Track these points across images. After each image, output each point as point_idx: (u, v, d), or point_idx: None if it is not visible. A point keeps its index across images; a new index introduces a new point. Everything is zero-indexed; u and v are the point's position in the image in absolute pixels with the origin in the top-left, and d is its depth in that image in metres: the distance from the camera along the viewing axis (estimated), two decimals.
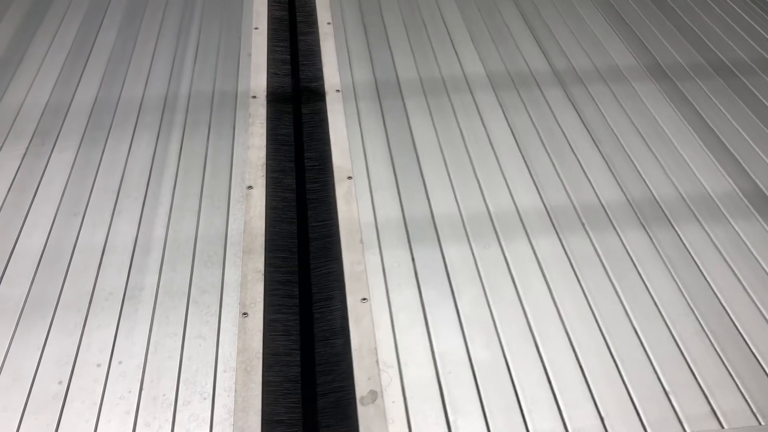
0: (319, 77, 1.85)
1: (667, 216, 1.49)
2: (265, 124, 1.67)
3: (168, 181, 1.52)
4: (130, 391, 1.13)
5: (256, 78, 1.83)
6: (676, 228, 1.46)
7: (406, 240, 1.41)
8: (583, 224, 1.45)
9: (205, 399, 1.12)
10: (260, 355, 1.18)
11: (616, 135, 1.70)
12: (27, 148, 1.60)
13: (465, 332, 1.24)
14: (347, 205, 1.48)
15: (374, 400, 1.12)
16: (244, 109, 1.72)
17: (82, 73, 1.84)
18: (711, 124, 1.74)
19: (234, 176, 1.53)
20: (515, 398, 1.14)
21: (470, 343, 1.22)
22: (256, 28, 2.03)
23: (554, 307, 1.29)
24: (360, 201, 1.49)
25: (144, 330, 1.23)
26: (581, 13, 2.18)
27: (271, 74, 1.85)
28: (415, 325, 1.25)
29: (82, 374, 1.16)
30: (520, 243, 1.41)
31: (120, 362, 1.18)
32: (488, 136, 1.69)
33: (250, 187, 1.50)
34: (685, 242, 1.43)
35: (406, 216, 1.46)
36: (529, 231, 1.44)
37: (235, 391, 1.13)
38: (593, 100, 1.81)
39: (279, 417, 1.11)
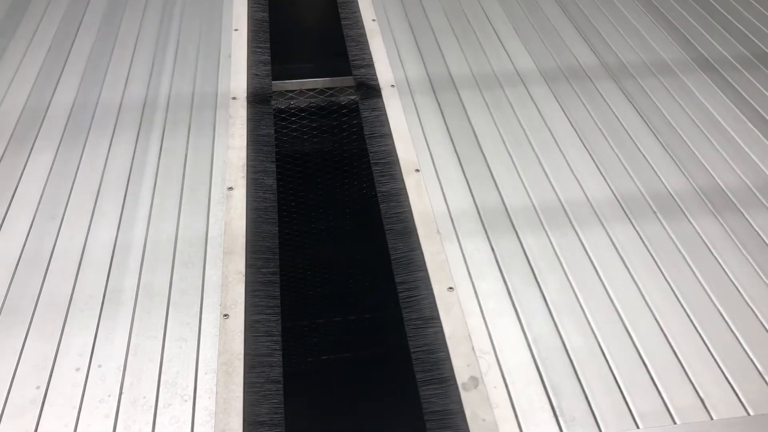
0: (371, 74, 1.89)
1: (734, 203, 1.52)
2: (245, 125, 1.66)
3: (148, 182, 1.51)
4: (109, 395, 1.12)
5: (236, 79, 1.82)
6: (746, 214, 1.49)
7: (482, 229, 1.43)
8: (654, 212, 1.49)
9: (185, 401, 1.11)
10: (241, 357, 1.17)
11: (672, 125, 1.74)
12: (4, 151, 1.58)
13: (555, 318, 1.26)
14: (419, 197, 1.50)
15: (476, 386, 1.14)
16: (224, 110, 1.71)
17: (61, 75, 1.83)
18: (765, 114, 1.78)
19: (214, 177, 1.52)
20: (614, 381, 1.16)
21: (562, 329, 1.24)
22: (236, 30, 2.02)
23: (639, 293, 1.31)
24: (431, 193, 1.51)
25: (124, 333, 1.21)
26: (621, 8, 2.23)
27: (252, 75, 1.85)
28: (504, 313, 1.26)
29: (61, 378, 1.14)
30: (596, 231, 1.44)
31: (99, 366, 1.16)
32: (548, 127, 1.73)
33: (230, 188, 1.49)
34: (756, 228, 1.46)
35: (478, 206, 1.49)
36: (602, 219, 1.47)
37: (216, 393, 1.12)
38: (645, 92, 1.86)
39: (261, 418, 1.10)
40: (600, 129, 1.72)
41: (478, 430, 1.08)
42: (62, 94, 1.76)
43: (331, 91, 2.21)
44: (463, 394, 1.13)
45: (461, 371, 1.16)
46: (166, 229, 1.41)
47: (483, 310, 1.27)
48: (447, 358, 1.18)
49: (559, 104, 1.80)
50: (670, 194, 1.54)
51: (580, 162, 1.62)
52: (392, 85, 1.85)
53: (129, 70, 1.85)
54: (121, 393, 1.12)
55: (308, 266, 2.96)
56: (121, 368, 1.16)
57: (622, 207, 1.50)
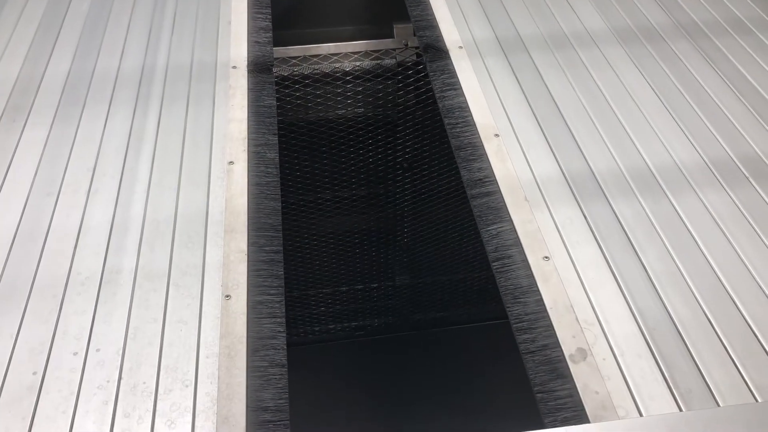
0: (437, 35, 1.82)
1: None
2: (246, 96, 1.60)
3: (145, 157, 1.46)
4: (108, 380, 1.08)
5: (237, 47, 1.76)
6: None
7: (572, 196, 1.38)
8: (746, 177, 1.43)
9: (187, 386, 1.08)
10: (244, 340, 1.13)
11: (756, 88, 1.67)
12: None
13: (658, 288, 1.21)
14: (501, 163, 1.45)
15: (585, 358, 1.10)
16: (224, 81, 1.65)
17: (54, 46, 1.77)
18: None
19: (214, 151, 1.47)
20: (726, 352, 1.12)
21: (666, 300, 1.20)
22: None
23: (741, 261, 1.26)
24: (513, 158, 1.46)
25: (122, 315, 1.18)
26: None
27: (252, 43, 1.78)
28: (605, 282, 1.22)
29: (58, 363, 1.11)
30: (690, 197, 1.39)
31: (98, 350, 1.13)
32: (627, 89, 1.66)
33: (231, 163, 1.44)
34: None
35: (565, 172, 1.44)
36: (694, 185, 1.41)
37: (219, 377, 1.09)
38: (723, 52, 1.78)
39: (265, 404, 1.07)
40: (680, 91, 1.66)
41: (591, 402, 1.05)
42: (56, 65, 1.70)
43: (335, 57, 2.15)
44: (572, 366, 1.09)
45: (567, 343, 1.12)
46: (165, 206, 1.36)
47: (583, 279, 1.23)
48: (550, 329, 1.14)
49: (636, 66, 1.73)
50: (762, 159, 1.47)
51: (665, 126, 1.56)
52: (459, 47, 1.78)
53: (125, 38, 1.79)
54: (120, 378, 1.09)
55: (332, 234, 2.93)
56: (120, 352, 1.12)
57: (713, 172, 1.44)
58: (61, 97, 1.61)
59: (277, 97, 2.38)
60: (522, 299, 1.20)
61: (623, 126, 1.56)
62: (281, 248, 1.30)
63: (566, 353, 1.11)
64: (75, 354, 1.12)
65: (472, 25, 1.87)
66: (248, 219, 1.33)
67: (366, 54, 2.42)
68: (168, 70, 1.68)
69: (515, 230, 1.31)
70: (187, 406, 1.05)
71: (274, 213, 1.36)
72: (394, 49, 2.45)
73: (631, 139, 1.53)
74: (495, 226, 1.33)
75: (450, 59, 1.75)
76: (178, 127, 1.53)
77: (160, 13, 1.87)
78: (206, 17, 1.86)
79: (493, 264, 1.27)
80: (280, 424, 1.04)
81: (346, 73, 2.43)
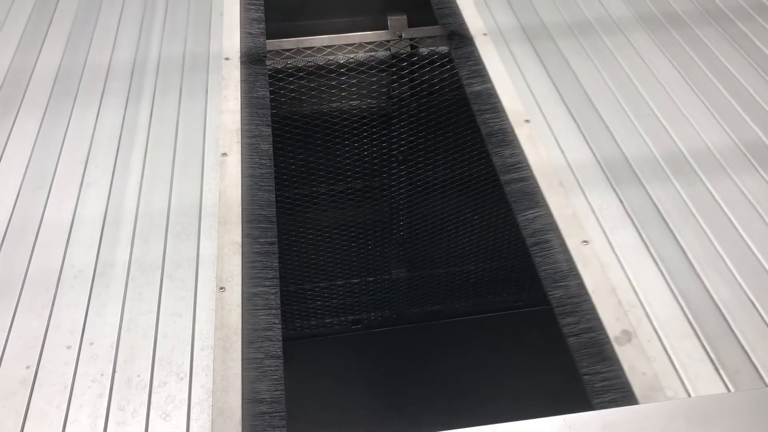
0: (461, 22, 1.82)
1: None
2: (239, 87, 1.59)
3: (138, 149, 1.45)
4: (102, 374, 1.07)
5: (229, 38, 1.74)
6: None
7: (606, 181, 1.38)
8: None
9: (182, 379, 1.07)
10: (239, 332, 1.12)
11: None
12: None
13: (698, 271, 1.21)
14: (534, 148, 1.44)
15: (630, 340, 1.10)
16: (216, 72, 1.64)
17: (45, 38, 1.75)
18: None
19: (207, 143, 1.46)
20: None
21: (707, 281, 1.19)
22: None
23: None
24: (545, 144, 1.46)
25: (116, 308, 1.16)
26: None
27: (245, 34, 1.76)
28: (646, 266, 1.22)
29: (52, 357, 1.09)
30: (724, 180, 1.38)
31: (91, 343, 1.11)
32: (655, 74, 1.66)
33: (224, 154, 1.43)
34: None
35: (597, 157, 1.43)
36: (728, 168, 1.41)
37: (214, 370, 1.07)
38: (749, 36, 1.77)
39: (260, 396, 1.06)
40: (708, 75, 1.65)
41: (639, 383, 1.04)
42: (48, 57, 1.68)
43: (329, 49, 2.13)
44: (618, 348, 1.09)
45: (611, 325, 1.12)
46: (158, 199, 1.35)
47: (623, 263, 1.22)
48: (593, 312, 1.14)
49: (662, 51, 1.73)
50: None
51: (695, 110, 1.55)
52: (484, 34, 1.78)
53: (117, 31, 1.77)
54: (114, 372, 1.08)
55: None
56: (114, 345, 1.11)
57: (746, 155, 1.43)
58: (52, 89, 1.59)
59: (271, 90, 2.37)
60: (563, 283, 1.20)
61: (653, 111, 1.55)
62: (276, 239, 1.29)
63: (611, 335, 1.11)
64: (68, 347, 1.11)
65: (495, 12, 1.87)
66: (242, 210, 1.32)
67: (360, 46, 2.41)
68: (160, 62, 1.67)
69: (552, 215, 1.31)
70: (182, 399, 1.04)
71: (268, 204, 1.35)
72: (389, 41, 2.43)
73: (662, 123, 1.52)
74: (531, 211, 1.32)
75: (475, 46, 1.74)
76: (171, 118, 1.52)
77: (152, 5, 1.85)
78: (198, 9, 1.84)
79: (532, 249, 1.27)
80: (276, 416, 1.03)
81: (341, 65, 2.42)
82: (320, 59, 2.37)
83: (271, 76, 2.29)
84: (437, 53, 2.41)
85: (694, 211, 1.32)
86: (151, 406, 1.03)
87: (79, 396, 1.05)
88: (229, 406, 1.03)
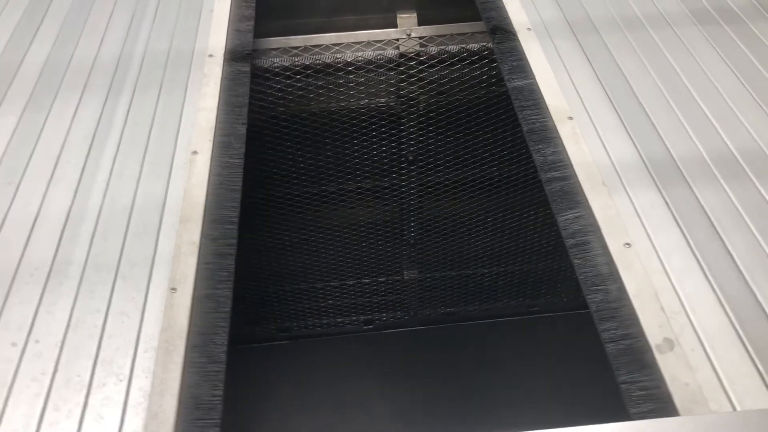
0: (504, 16, 1.79)
1: None
2: (219, 85, 1.57)
3: (111, 146, 1.44)
4: (43, 373, 1.06)
5: (216, 35, 1.73)
6: None
7: (652, 182, 1.34)
8: None
9: (121, 381, 1.05)
10: (184, 334, 1.10)
11: None
12: None
13: (747, 278, 1.16)
14: (577, 146, 1.41)
15: (671, 348, 1.06)
16: (199, 69, 1.62)
17: (36, 33, 1.76)
18: None
19: (180, 140, 1.44)
20: None
21: (756, 289, 1.14)
22: None
23: None
24: (589, 142, 1.42)
25: (66, 306, 1.16)
26: None
27: (232, 31, 1.75)
28: (691, 270, 1.17)
29: None
30: None
31: (37, 341, 1.11)
32: (705, 71, 1.60)
33: (194, 153, 1.41)
34: None
35: (643, 157, 1.39)
36: None
37: (154, 372, 1.06)
38: None
39: (199, 401, 1.04)
40: (762, 72, 1.57)
41: (681, 394, 1.00)
42: (36, 52, 1.69)
43: (316, 49, 2.11)
44: (659, 356, 1.05)
45: (653, 332, 1.08)
46: (124, 196, 1.34)
47: (666, 267, 1.18)
48: (634, 317, 1.10)
49: (714, 47, 1.66)
50: None
51: (747, 109, 1.49)
52: (528, 29, 1.74)
53: (106, 27, 1.77)
54: (55, 371, 1.07)
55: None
56: (59, 344, 1.10)
57: None
58: (36, 85, 1.60)
59: (278, 88, 2.35)
60: (602, 286, 1.16)
61: (702, 109, 1.49)
62: (235, 241, 1.27)
63: (652, 343, 1.06)
64: (14, 345, 1.10)
65: (539, 7, 1.82)
66: (204, 210, 1.30)
67: (368, 44, 2.38)
68: (145, 58, 1.66)
69: (593, 216, 1.27)
70: (119, 401, 1.03)
71: (233, 205, 1.33)
72: (398, 39, 2.39)
73: (711, 122, 1.46)
74: (572, 212, 1.29)
75: (518, 41, 1.71)
76: (147, 115, 1.51)
77: (144, 1, 1.85)
78: (189, 5, 1.83)
79: (571, 250, 1.23)
80: (210, 422, 1.01)
81: (348, 63, 2.39)
82: (328, 57, 2.34)
83: (278, 74, 2.27)
84: (447, 52, 2.36)
85: (743, 214, 1.26)
86: (87, 408, 1.02)
87: (18, 394, 1.04)
88: (164, 410, 1.01)
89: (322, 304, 3.24)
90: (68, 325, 1.13)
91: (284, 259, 2.96)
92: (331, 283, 3.18)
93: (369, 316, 3.34)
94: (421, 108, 2.60)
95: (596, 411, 2.66)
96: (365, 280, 3.22)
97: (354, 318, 3.33)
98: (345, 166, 2.73)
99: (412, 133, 2.66)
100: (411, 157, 2.76)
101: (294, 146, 2.58)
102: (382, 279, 3.24)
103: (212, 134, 1.45)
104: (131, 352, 1.09)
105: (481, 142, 2.63)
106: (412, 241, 3.09)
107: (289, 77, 2.33)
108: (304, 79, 2.36)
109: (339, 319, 3.33)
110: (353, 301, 3.25)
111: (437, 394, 3.01)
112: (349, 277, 3.16)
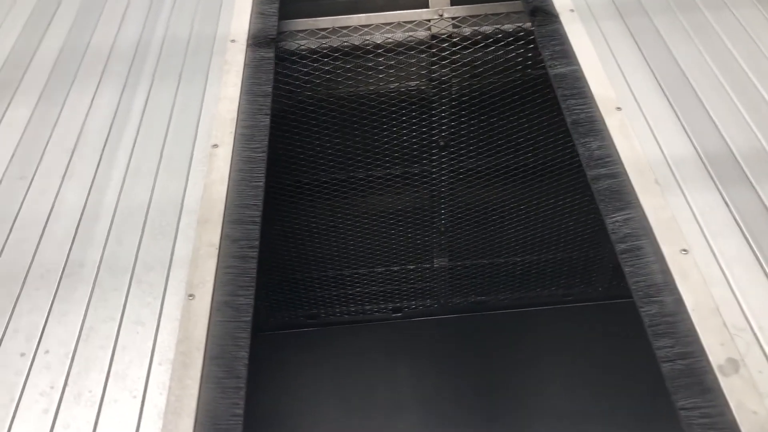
0: None
1: None
2: (241, 73, 1.49)
3: (127, 139, 1.37)
4: (52, 387, 1.00)
5: (239, 19, 1.64)
6: None
7: (710, 180, 1.23)
8: None
9: (134, 397, 0.98)
10: (202, 346, 1.03)
11: None
12: None
13: None
14: (626, 140, 1.31)
15: (737, 370, 0.96)
16: (220, 56, 1.54)
17: (52, 18, 1.69)
18: None
19: (200, 133, 1.37)
20: None
21: None
22: None
23: None
24: (639, 135, 1.32)
25: (78, 313, 1.09)
26: None
27: (256, 14, 1.66)
28: (756, 281, 1.07)
29: (3, 365, 1.03)
30: None
31: (47, 351, 1.04)
32: (766, 55, 1.48)
33: (215, 146, 1.33)
34: None
35: (700, 152, 1.28)
36: None
37: (169, 388, 0.98)
38: None
39: (216, 421, 0.96)
40: None
41: (748, 424, 0.90)
42: (52, 38, 1.62)
43: (344, 30, 2.01)
44: (722, 379, 0.95)
45: (715, 351, 0.98)
46: (140, 193, 1.26)
47: (728, 277, 1.07)
48: (693, 334, 1.00)
49: None
50: None
51: None
52: (571, 10, 1.63)
53: (125, 10, 1.70)
54: (65, 385, 1.00)
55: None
56: (70, 355, 1.03)
57: None
58: (51, 72, 1.53)
59: (305, 72, 2.28)
60: (657, 298, 1.06)
61: (765, 98, 1.37)
62: (257, 242, 1.18)
63: (714, 363, 0.97)
64: (22, 355, 1.04)
65: None
66: (225, 209, 1.22)
67: (398, 25, 2.28)
68: (164, 44, 1.58)
69: (646, 218, 1.16)
70: (132, 420, 0.96)
71: (255, 203, 1.25)
72: (429, 20, 2.30)
73: None
74: (621, 213, 1.19)
75: (561, 23, 1.59)
76: (166, 105, 1.43)
77: None
78: None
79: (621, 256, 1.13)
80: None
81: (378, 46, 2.30)
82: (356, 39, 2.26)
83: (304, 57, 2.19)
84: (481, 33, 2.26)
85: None
86: (98, 427, 0.95)
87: (25, 410, 0.98)
88: (181, 431, 0.94)
89: (350, 291, 3.19)
90: (80, 335, 1.06)
91: (312, 245, 2.92)
92: (360, 271, 3.12)
93: (398, 304, 3.29)
94: (453, 92, 2.51)
95: (630, 403, 2.57)
96: (394, 267, 3.17)
97: (383, 305, 3.28)
98: (374, 152, 2.66)
99: (443, 117, 2.57)
100: (442, 143, 2.67)
101: (322, 131, 2.50)
102: (412, 267, 3.18)
103: (234, 126, 1.36)
104: (146, 365, 1.02)
105: (515, 127, 2.54)
106: (442, 229, 3.02)
107: (316, 60, 2.25)
108: (331, 62, 2.27)
109: (367, 307, 3.29)
110: (382, 288, 3.20)
111: (465, 383, 2.95)
112: (377, 264, 3.11)
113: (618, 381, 2.70)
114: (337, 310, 3.26)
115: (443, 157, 2.72)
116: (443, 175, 2.79)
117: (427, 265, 3.16)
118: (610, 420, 2.62)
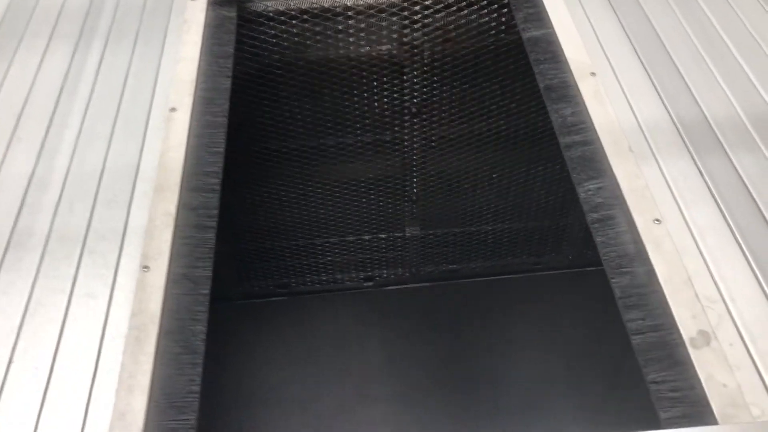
0: None
1: None
2: (201, 33, 1.41)
3: (80, 101, 1.30)
4: None
5: None
6: None
7: (684, 148, 1.20)
8: None
9: (84, 374, 0.93)
10: (157, 320, 0.98)
11: None
12: None
13: None
14: (600, 106, 1.27)
15: (708, 343, 0.94)
16: (179, 15, 1.46)
17: None
18: None
19: (157, 95, 1.30)
20: None
21: None
22: None
23: None
24: (614, 101, 1.28)
25: (25, 286, 1.03)
26: None
27: None
28: (729, 251, 1.05)
29: None
30: None
31: None
32: (744, 23, 1.45)
33: (173, 110, 1.26)
34: None
35: (675, 119, 1.26)
36: None
37: (122, 364, 0.94)
38: None
39: (171, 399, 0.92)
40: None
41: (719, 397, 0.88)
42: None
43: None
44: (693, 352, 0.93)
45: (686, 324, 0.95)
46: (93, 159, 1.20)
47: (701, 248, 1.05)
48: (665, 306, 0.98)
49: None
50: None
51: None
52: None
53: None
54: (10, 362, 0.95)
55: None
56: (15, 331, 0.98)
57: None
58: None
59: (272, 34, 2.20)
60: (629, 269, 1.04)
61: (742, 67, 1.35)
62: (216, 212, 1.13)
63: (685, 336, 0.94)
64: None
65: None
66: (183, 176, 1.16)
67: None
68: (119, 3, 1.50)
69: (619, 187, 1.13)
70: (81, 398, 0.91)
71: (214, 170, 1.19)
72: None
73: (751, 80, 1.32)
74: (594, 182, 1.16)
75: None
76: (122, 67, 1.36)
77: None
78: None
79: (593, 226, 1.11)
80: (185, 424, 0.89)
81: (348, 8, 2.23)
82: (326, 1, 2.19)
83: (272, 19, 2.12)
84: None
85: None
86: (45, 405, 0.90)
87: None
88: (132, 409, 0.89)
89: (321, 260, 3.16)
90: (27, 307, 1.00)
91: (282, 214, 2.87)
92: (331, 239, 3.09)
93: (369, 273, 3.27)
94: (425, 57, 2.45)
95: (600, 370, 2.58)
96: (365, 236, 3.13)
97: (354, 274, 3.26)
98: (344, 119, 2.60)
99: (415, 83, 2.52)
100: (414, 110, 2.62)
101: (291, 97, 2.43)
102: (383, 236, 3.15)
103: (193, 88, 1.30)
104: (97, 339, 0.97)
105: (488, 93, 2.49)
106: (414, 197, 2.98)
107: (283, 22, 2.18)
108: (300, 24, 2.20)
109: (339, 276, 3.26)
110: (353, 257, 3.17)
111: (437, 351, 2.95)
112: (348, 233, 3.07)
113: (588, 348, 2.71)
114: (308, 279, 3.23)
115: (415, 123, 2.67)
116: (415, 142, 2.75)
117: (399, 234, 3.13)
118: (580, 386, 2.63)
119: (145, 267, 1.04)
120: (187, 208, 1.12)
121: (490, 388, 2.76)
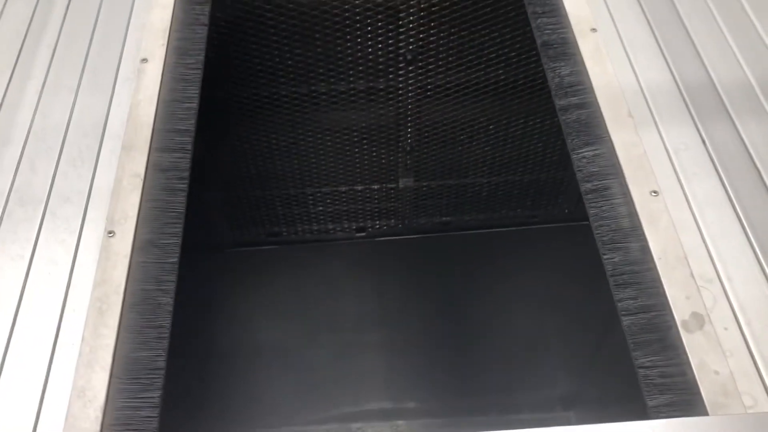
0: None
1: None
2: None
3: (45, 50, 1.21)
4: None
5: None
6: None
7: (687, 114, 1.14)
8: None
9: (44, 348, 0.88)
10: (121, 290, 0.92)
11: None
12: None
13: None
14: (599, 66, 1.20)
15: (701, 326, 0.90)
16: None
17: None
18: None
19: (128, 45, 1.21)
20: None
21: None
22: None
23: None
24: (614, 61, 1.21)
25: None
26: None
27: None
28: (730, 228, 1.00)
29: None
30: None
31: None
32: None
33: (144, 60, 1.18)
34: None
35: (679, 82, 1.19)
36: None
37: (83, 338, 0.88)
38: None
39: (135, 376, 0.87)
40: None
41: (710, 385, 0.84)
42: None
43: None
44: (685, 336, 0.88)
45: (679, 305, 0.91)
46: (57, 113, 1.12)
47: (700, 223, 1.00)
48: (658, 285, 0.93)
49: None
50: None
51: None
52: None
53: None
54: None
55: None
56: None
57: None
58: None
59: None
60: (622, 245, 0.98)
61: (756, 28, 1.27)
62: (187, 174, 1.06)
63: (677, 318, 0.90)
64: None
65: None
66: (152, 134, 1.09)
67: None
68: None
69: (615, 155, 1.07)
70: (40, 375, 0.86)
71: (186, 128, 1.11)
72: None
73: (765, 44, 1.24)
74: (589, 149, 1.09)
75: None
76: (91, 13, 1.27)
77: None
78: None
79: (587, 196, 1.05)
80: (149, 402, 0.84)
81: None
82: None
83: None
84: None
85: None
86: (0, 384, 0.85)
87: None
88: (92, 386, 0.84)
89: (313, 210, 3.12)
90: None
91: (272, 162, 2.81)
92: (323, 189, 3.04)
93: (362, 224, 3.23)
94: (422, 1, 2.35)
95: (591, 323, 2.56)
96: (358, 186, 3.09)
97: (346, 225, 3.23)
98: (337, 65, 2.51)
99: (411, 29, 2.43)
100: (409, 57, 2.54)
101: (281, 42, 2.34)
102: (376, 186, 3.11)
103: (166, 37, 1.21)
104: (57, 311, 0.91)
105: (487, 42, 2.40)
106: (408, 148, 2.92)
107: None
108: None
109: (330, 226, 3.23)
110: (345, 207, 3.13)
111: (430, 303, 2.93)
112: (341, 183, 3.03)
113: (581, 301, 2.69)
114: (300, 228, 3.19)
115: (410, 71, 2.59)
116: (410, 90, 2.67)
117: (392, 185, 3.09)
118: (572, 339, 2.62)
119: (110, 232, 0.98)
120: (156, 169, 1.05)
121: (483, 338, 2.75)
